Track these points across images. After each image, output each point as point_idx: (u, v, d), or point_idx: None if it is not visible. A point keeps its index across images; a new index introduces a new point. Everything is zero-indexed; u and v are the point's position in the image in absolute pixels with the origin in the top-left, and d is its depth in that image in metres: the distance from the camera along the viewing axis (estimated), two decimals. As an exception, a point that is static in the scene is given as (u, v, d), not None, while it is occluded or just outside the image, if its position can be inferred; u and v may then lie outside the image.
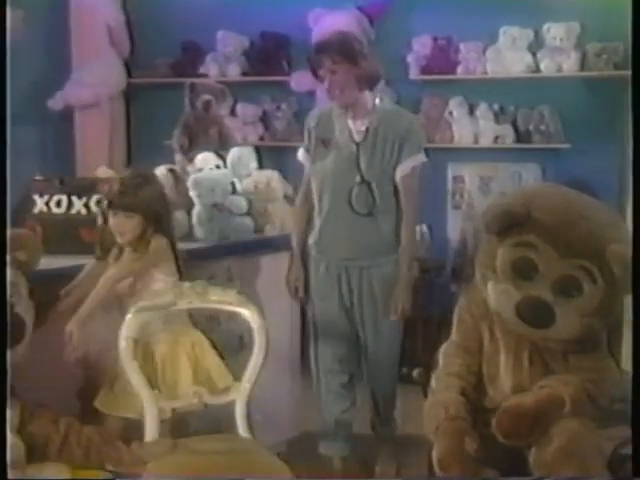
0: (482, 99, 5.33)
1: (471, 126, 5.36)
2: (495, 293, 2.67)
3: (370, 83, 3.49)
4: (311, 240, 3.62)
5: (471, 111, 5.38)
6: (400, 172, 3.46)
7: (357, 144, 3.47)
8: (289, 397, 4.00)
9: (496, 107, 5.29)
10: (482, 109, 5.31)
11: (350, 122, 3.49)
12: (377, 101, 3.52)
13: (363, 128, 3.47)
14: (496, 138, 5.30)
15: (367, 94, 3.49)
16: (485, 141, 5.34)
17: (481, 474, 2.62)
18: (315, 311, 3.66)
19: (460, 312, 2.88)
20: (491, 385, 2.77)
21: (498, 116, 5.30)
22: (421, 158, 3.51)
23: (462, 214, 5.39)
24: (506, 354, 2.74)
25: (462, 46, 5.33)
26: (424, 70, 5.41)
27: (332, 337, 3.63)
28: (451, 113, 5.39)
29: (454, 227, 5.39)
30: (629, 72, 2.51)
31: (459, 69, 5.33)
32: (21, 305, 2.36)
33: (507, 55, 5.22)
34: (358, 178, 3.45)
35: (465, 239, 5.32)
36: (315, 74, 3.47)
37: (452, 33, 5.36)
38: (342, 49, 3.40)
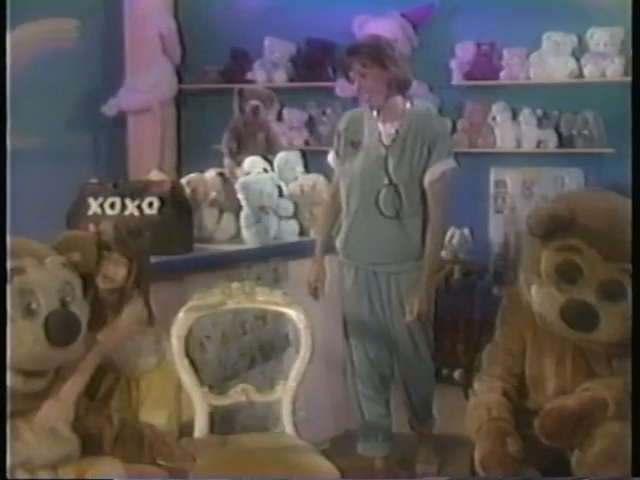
0: (525, 104, 5.28)
1: (514, 131, 5.31)
2: (539, 296, 2.64)
3: (401, 87, 3.45)
4: (338, 243, 3.59)
5: (514, 116, 5.34)
6: (429, 176, 3.41)
7: (386, 147, 3.42)
8: (333, 396, 3.99)
9: (539, 112, 5.25)
10: (525, 114, 5.26)
11: (380, 125, 3.45)
12: (408, 105, 3.48)
13: (392, 131, 3.43)
14: (539, 143, 5.25)
15: (398, 98, 3.45)
16: (528, 146, 5.29)
17: (523, 475, 2.59)
18: (347, 314, 3.62)
19: (503, 314, 2.85)
20: (534, 387, 2.74)
21: (541, 121, 5.25)
22: (450, 163, 3.46)
23: (504, 218, 5.35)
24: (549, 357, 2.71)
25: (505, 52, 5.29)
26: (467, 76, 5.38)
27: (363, 339, 3.60)
28: (494, 118, 5.36)
29: (496, 231, 5.35)
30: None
31: (502, 74, 5.30)
32: (75, 304, 2.38)
33: (550, 60, 5.17)
34: (386, 180, 3.41)
35: (507, 242, 5.29)
36: (347, 77, 3.45)
37: (495, 39, 5.32)
38: (372, 53, 3.37)
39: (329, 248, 3.66)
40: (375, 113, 3.45)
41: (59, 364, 2.41)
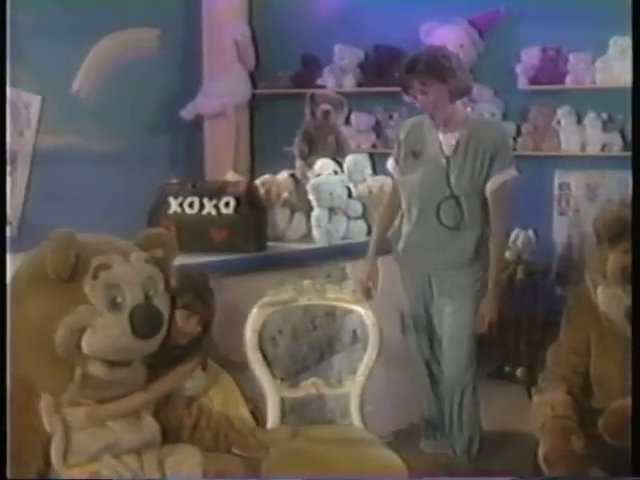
0: (590, 108, 5.18)
1: (578, 134, 5.22)
2: (605, 297, 2.59)
3: (461, 95, 3.36)
4: (398, 249, 3.53)
5: (579, 120, 5.24)
6: (490, 187, 3.30)
7: (447, 157, 3.31)
8: (395, 390, 3.97)
9: (604, 116, 5.14)
10: (590, 118, 5.16)
11: (440, 135, 3.34)
12: (468, 110, 3.45)
13: (453, 142, 3.31)
14: (603, 146, 5.15)
15: (458, 105, 3.35)
16: (592, 149, 5.19)
17: (586, 472, 2.55)
18: (404, 312, 3.58)
19: (569, 314, 2.82)
20: (598, 386, 2.70)
21: (606, 124, 5.15)
22: (512, 172, 3.35)
23: (568, 220, 5.26)
24: (614, 356, 2.66)
25: (571, 56, 5.20)
26: (532, 80, 5.30)
27: (419, 338, 3.55)
28: (559, 122, 5.27)
29: (560, 232, 5.27)
30: None
31: (568, 79, 5.21)
32: (158, 299, 2.40)
33: (616, 65, 5.06)
34: (447, 192, 3.31)
35: (570, 244, 5.20)
36: (406, 92, 3.34)
37: (561, 44, 5.22)
38: (431, 70, 3.23)
39: (382, 249, 3.61)
40: (436, 122, 3.34)
41: (142, 355, 2.45)
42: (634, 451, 2.13)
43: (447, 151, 3.31)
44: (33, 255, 2.41)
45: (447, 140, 3.33)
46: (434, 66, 3.25)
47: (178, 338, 2.61)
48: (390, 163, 3.51)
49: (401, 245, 3.50)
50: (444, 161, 3.31)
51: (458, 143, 3.30)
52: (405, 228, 3.47)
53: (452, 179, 3.29)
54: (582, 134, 5.22)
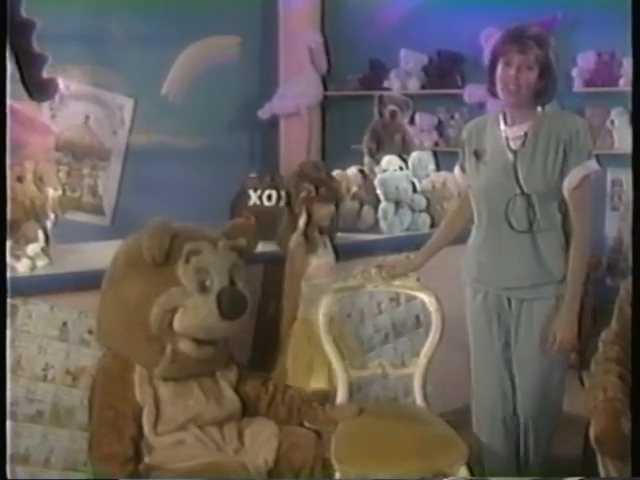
0: (643, 109, 5.03)
1: (631, 134, 5.07)
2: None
3: (545, 96, 2.71)
4: (464, 265, 2.89)
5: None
6: (568, 184, 2.66)
7: (514, 152, 2.69)
8: (456, 372, 3.93)
9: (656, 117, 4.99)
10: (643, 118, 5.01)
11: (506, 129, 2.72)
12: (539, 109, 2.74)
13: (521, 133, 2.69)
14: (655, 145, 5.00)
15: (531, 99, 2.69)
16: (645, 147, 5.04)
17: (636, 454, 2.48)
18: (473, 339, 2.93)
19: (620, 303, 2.74)
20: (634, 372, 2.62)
21: (657, 125, 4.99)
22: (592, 165, 2.72)
23: (619, 215, 5.13)
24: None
25: (625, 61, 5.06)
26: (588, 83, 5.17)
27: (489, 377, 2.89)
28: (612, 122, 5.14)
29: (611, 226, 5.14)
30: None
31: (621, 82, 5.07)
32: (241, 283, 2.43)
33: (668, 68, 4.90)
34: (517, 190, 2.68)
35: (621, 237, 5.08)
36: (494, 65, 2.68)
37: (616, 48, 5.09)
38: (542, 47, 2.65)
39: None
40: (501, 117, 2.74)
41: (227, 335, 2.47)
42: (634, 451, 2.04)
43: (514, 145, 2.69)
44: (130, 241, 2.46)
45: (514, 133, 2.71)
46: (547, 44, 2.69)
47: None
48: (457, 171, 2.92)
49: (468, 261, 2.86)
50: (511, 156, 2.69)
51: (526, 135, 2.68)
52: (473, 241, 2.84)
53: (521, 176, 2.68)
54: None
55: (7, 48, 2.34)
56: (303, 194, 2.99)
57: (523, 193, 2.68)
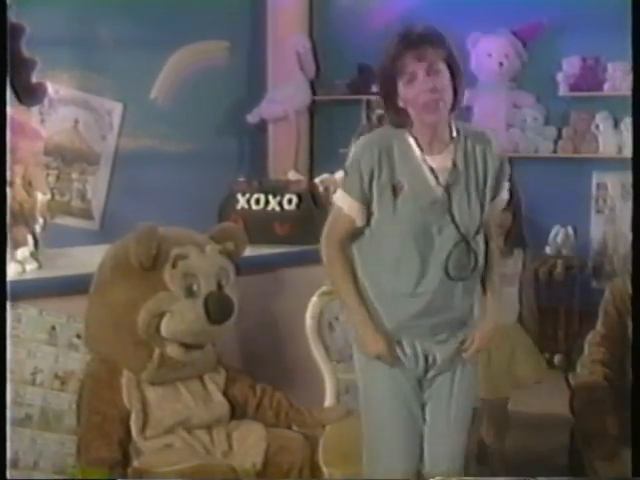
0: (627, 114, 5.05)
1: (615, 138, 5.11)
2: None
3: (461, 99, 2.17)
4: (393, 321, 2.19)
5: (616, 124, 5.13)
6: (492, 211, 2.23)
7: (446, 188, 2.13)
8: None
9: (640, 121, 5.03)
10: (626, 123, 5.04)
11: (427, 157, 2.14)
12: (454, 126, 2.18)
13: (448, 164, 2.14)
14: (639, 149, 5.03)
15: (450, 116, 2.16)
16: (628, 152, 5.06)
17: (620, 454, 2.50)
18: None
19: (605, 305, 2.77)
20: (635, 372, 2.63)
21: (641, 129, 5.03)
22: (506, 186, 2.26)
23: (604, 218, 5.16)
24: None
25: (609, 66, 5.10)
26: (573, 87, 5.20)
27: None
28: (597, 126, 5.16)
29: (597, 229, 5.17)
30: None
31: (606, 86, 5.11)
32: (229, 287, 2.42)
33: (652, 73, 4.94)
34: (455, 235, 2.13)
35: (606, 240, 5.12)
36: (395, 77, 2.14)
37: (600, 54, 5.12)
38: (436, 39, 2.18)
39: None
40: (411, 140, 2.14)
41: (214, 339, 2.47)
42: (634, 451, 2.06)
43: (443, 179, 2.13)
44: (118, 246, 2.45)
45: (438, 164, 2.14)
46: (438, 36, 2.20)
47: None
48: (348, 202, 2.18)
49: (395, 317, 2.18)
50: (442, 193, 2.13)
51: (454, 165, 2.15)
52: (392, 292, 2.17)
53: (457, 216, 2.14)
54: (618, 138, 5.11)
55: (7, 49, 2.33)
56: None
57: (463, 238, 2.14)
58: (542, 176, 5.20)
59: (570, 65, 5.22)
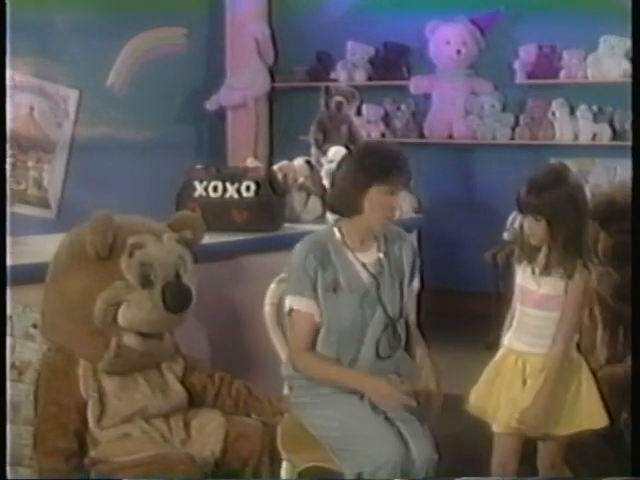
0: (582, 101, 5.14)
1: (571, 125, 5.19)
2: (596, 275, 2.57)
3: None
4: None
5: (572, 111, 5.21)
6: (409, 295, 2.53)
7: (374, 277, 2.40)
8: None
9: (595, 108, 5.11)
10: (582, 110, 5.13)
11: (357, 254, 2.42)
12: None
13: (375, 258, 2.43)
14: (594, 136, 5.13)
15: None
16: (584, 138, 5.16)
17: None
18: None
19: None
20: (588, 356, 2.67)
21: (596, 116, 5.12)
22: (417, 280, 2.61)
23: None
24: (603, 329, 2.66)
25: (565, 53, 5.18)
26: (529, 75, 5.27)
27: None
28: (553, 113, 5.24)
29: (553, 215, 5.23)
30: None
31: (562, 74, 5.18)
32: (187, 277, 2.40)
33: (606, 62, 5.02)
34: (384, 321, 2.40)
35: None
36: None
37: (556, 42, 5.20)
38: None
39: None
40: (339, 234, 2.42)
41: (172, 328, 2.45)
42: (634, 451, 2.10)
43: (373, 269, 2.41)
44: (73, 234, 2.41)
45: (368, 259, 2.43)
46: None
47: None
48: (292, 301, 2.44)
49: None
50: (372, 283, 2.41)
51: (380, 260, 2.43)
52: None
53: (386, 302, 2.41)
54: (574, 125, 5.19)
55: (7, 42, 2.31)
56: None
57: (391, 321, 2.41)
58: (500, 162, 5.26)
59: (527, 53, 5.28)
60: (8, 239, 2.25)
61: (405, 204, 4.08)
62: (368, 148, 2.53)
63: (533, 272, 2.33)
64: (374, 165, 2.35)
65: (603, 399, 2.36)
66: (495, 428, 2.39)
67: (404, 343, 2.48)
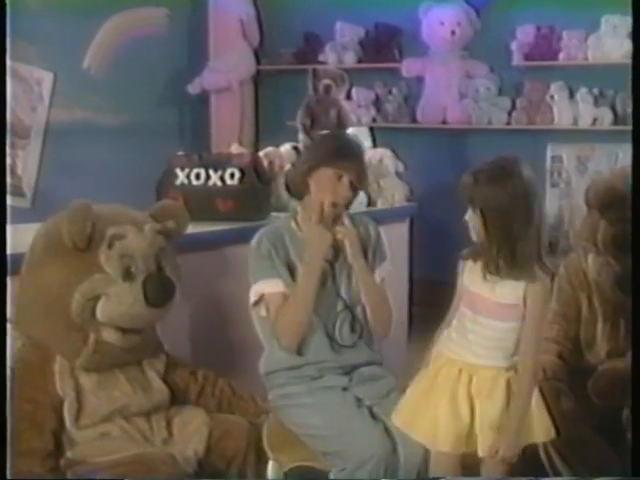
0: (582, 83, 5.14)
1: (571, 109, 5.18)
2: (595, 265, 2.59)
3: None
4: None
5: (571, 95, 5.20)
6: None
7: (330, 263, 2.53)
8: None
9: (595, 91, 5.10)
10: (582, 93, 5.12)
11: None
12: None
13: (330, 240, 2.54)
14: (594, 120, 5.11)
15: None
16: (584, 123, 5.15)
17: (576, 432, 2.55)
18: None
19: (560, 282, 2.80)
20: (588, 350, 2.70)
21: (597, 99, 5.10)
22: (388, 267, 2.65)
23: (559, 191, 5.23)
24: (603, 321, 2.66)
25: (565, 34, 5.16)
26: (527, 57, 5.25)
27: None
28: (552, 97, 5.23)
29: (551, 203, 5.23)
30: None
31: (561, 56, 5.16)
32: (169, 269, 2.40)
33: (608, 42, 5.02)
34: (340, 305, 2.54)
35: (561, 214, 5.20)
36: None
37: (555, 22, 5.18)
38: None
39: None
40: (294, 224, 2.60)
41: (153, 323, 2.44)
42: (634, 451, 2.10)
43: (329, 255, 2.53)
44: (50, 224, 2.41)
45: None
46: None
47: None
48: (260, 287, 2.55)
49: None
50: (327, 267, 2.53)
51: (337, 245, 2.55)
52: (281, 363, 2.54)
53: (342, 287, 2.54)
54: (574, 108, 5.17)
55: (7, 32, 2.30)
56: None
57: (347, 306, 2.54)
58: (496, 148, 5.24)
59: (524, 34, 5.27)
60: (8, 227, 2.24)
61: (397, 192, 4.10)
62: (328, 135, 2.76)
63: (485, 277, 2.18)
64: (324, 147, 2.58)
65: (547, 409, 2.28)
66: (434, 446, 2.23)
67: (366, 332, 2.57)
